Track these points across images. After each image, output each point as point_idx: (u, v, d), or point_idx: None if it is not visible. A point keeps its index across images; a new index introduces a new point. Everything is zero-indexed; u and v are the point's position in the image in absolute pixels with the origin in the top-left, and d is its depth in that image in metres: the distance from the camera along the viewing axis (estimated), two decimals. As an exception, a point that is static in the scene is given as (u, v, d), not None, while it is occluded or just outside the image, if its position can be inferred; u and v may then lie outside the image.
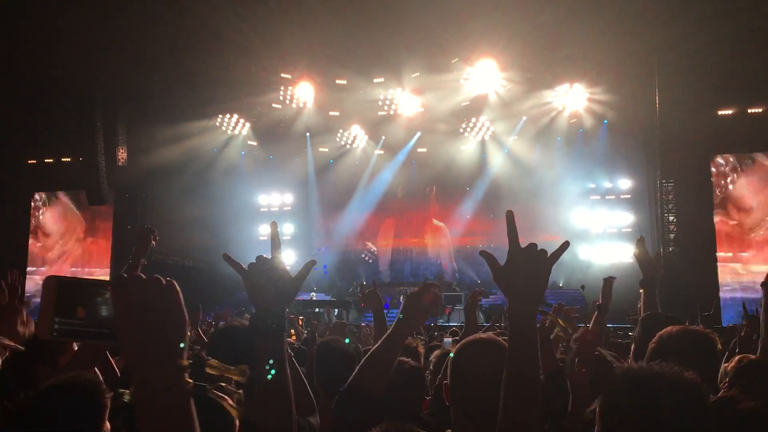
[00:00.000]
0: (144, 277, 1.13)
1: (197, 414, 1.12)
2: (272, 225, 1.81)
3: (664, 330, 2.49)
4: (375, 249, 27.18)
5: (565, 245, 1.75)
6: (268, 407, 1.66)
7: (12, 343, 2.79)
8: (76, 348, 3.24)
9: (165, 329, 1.12)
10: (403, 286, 23.55)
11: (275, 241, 1.78)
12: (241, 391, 1.32)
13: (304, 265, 1.80)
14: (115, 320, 1.13)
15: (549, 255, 1.70)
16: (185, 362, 1.12)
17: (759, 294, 3.16)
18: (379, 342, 2.09)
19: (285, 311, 1.71)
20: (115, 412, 2.01)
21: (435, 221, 26.73)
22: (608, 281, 4.37)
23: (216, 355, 2.03)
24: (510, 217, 1.72)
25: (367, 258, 27.01)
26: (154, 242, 3.31)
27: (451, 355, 2.08)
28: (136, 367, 1.10)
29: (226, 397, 1.27)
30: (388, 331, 2.11)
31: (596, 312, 4.16)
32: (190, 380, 1.12)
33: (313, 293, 22.84)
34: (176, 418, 1.09)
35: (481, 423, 1.90)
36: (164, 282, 1.14)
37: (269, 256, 1.76)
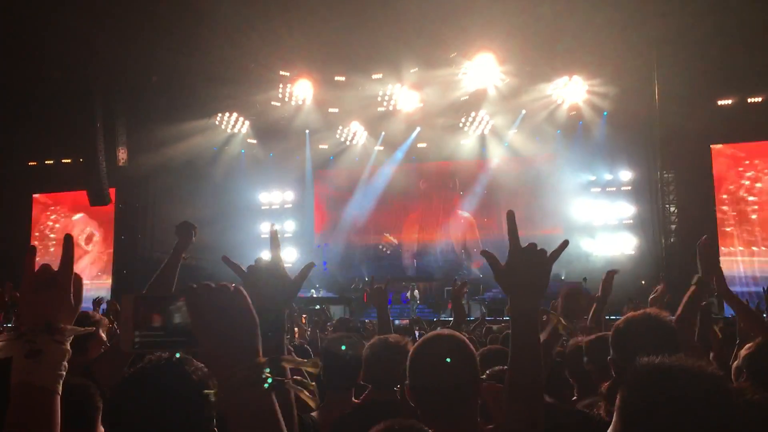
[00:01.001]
0: (213, 285, 1.23)
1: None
2: (271, 227, 1.84)
3: (626, 316, 2.53)
4: (396, 242, 27.03)
5: (564, 244, 1.78)
6: None
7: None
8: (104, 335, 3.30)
9: (239, 331, 1.21)
10: (406, 281, 23.53)
11: (274, 243, 1.81)
12: (314, 384, 1.39)
13: (303, 268, 1.81)
14: (192, 328, 1.22)
15: (549, 254, 1.72)
16: (262, 359, 1.20)
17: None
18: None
19: (284, 313, 1.74)
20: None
21: (461, 212, 26.57)
22: (610, 274, 4.34)
23: None
24: (511, 217, 1.75)
25: (386, 250, 26.86)
26: (194, 238, 3.37)
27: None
28: (218, 369, 1.20)
29: (302, 389, 1.34)
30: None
31: (594, 305, 4.16)
32: (269, 375, 1.20)
33: (313, 291, 22.79)
34: (261, 413, 1.18)
35: (445, 421, 1.89)
36: (231, 288, 1.24)
37: (268, 258, 1.79)
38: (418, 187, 26.67)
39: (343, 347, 3.18)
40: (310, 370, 1.41)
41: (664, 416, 1.37)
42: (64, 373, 1.34)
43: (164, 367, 1.56)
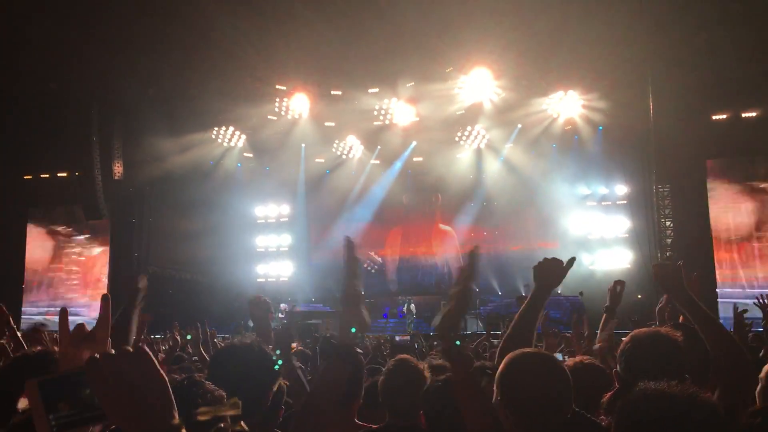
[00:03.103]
0: (113, 352, 1.16)
1: None
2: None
3: (634, 332, 2.54)
4: (380, 259, 27.02)
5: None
6: None
7: None
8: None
9: (148, 396, 1.15)
10: (402, 296, 23.50)
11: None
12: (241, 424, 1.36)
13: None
14: (99, 400, 1.16)
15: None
16: (176, 420, 1.15)
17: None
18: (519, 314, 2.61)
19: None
20: None
21: (441, 225, 26.59)
22: (616, 283, 4.38)
23: (218, 375, 2.04)
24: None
25: (370, 268, 26.87)
26: (142, 286, 3.06)
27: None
28: None
29: None
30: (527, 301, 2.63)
31: (604, 315, 4.14)
32: None
33: (284, 305, 22.06)
34: None
35: None
36: (133, 351, 1.17)
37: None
38: (407, 200, 26.67)
39: (353, 329, 3.16)
40: (230, 414, 1.39)
41: None
42: None
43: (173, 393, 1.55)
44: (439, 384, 2.43)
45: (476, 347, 8.40)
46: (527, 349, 2.17)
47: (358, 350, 2.20)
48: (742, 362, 2.40)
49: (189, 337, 6.14)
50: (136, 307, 2.85)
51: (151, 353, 1.18)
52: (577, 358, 3.56)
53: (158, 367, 1.17)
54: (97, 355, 1.15)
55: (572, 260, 2.56)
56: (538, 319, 2.54)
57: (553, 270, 2.55)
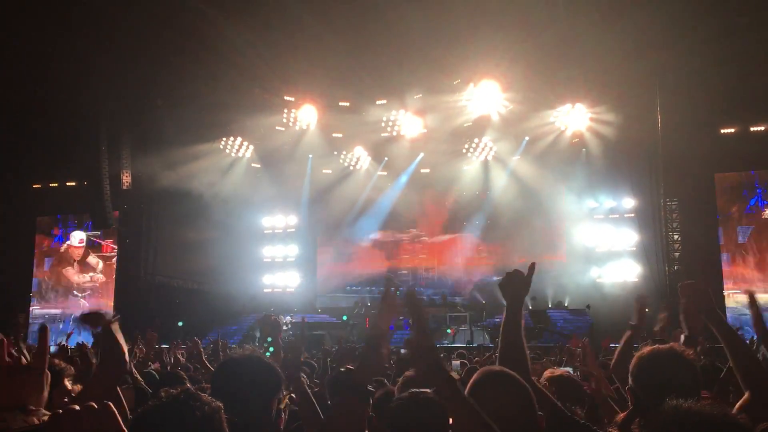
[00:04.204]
0: (77, 408, 1.13)
1: None
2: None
3: (651, 348, 2.51)
4: (387, 270, 26.93)
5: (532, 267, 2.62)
6: None
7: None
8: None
9: None
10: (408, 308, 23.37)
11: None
12: None
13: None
14: None
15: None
16: None
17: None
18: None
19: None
20: None
21: (448, 237, 26.53)
22: (640, 300, 4.20)
23: (222, 386, 2.03)
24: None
25: (391, 278, 26.66)
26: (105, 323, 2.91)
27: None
28: None
29: None
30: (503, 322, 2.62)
31: (628, 332, 4.04)
32: None
33: (288, 317, 21.91)
34: None
35: None
36: (97, 407, 1.14)
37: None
38: (413, 212, 26.59)
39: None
40: None
41: None
42: None
43: (169, 406, 1.53)
44: (403, 401, 2.32)
45: (484, 363, 8.35)
46: (492, 368, 2.24)
47: (371, 388, 2.23)
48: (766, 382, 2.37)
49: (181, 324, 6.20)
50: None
51: (114, 409, 1.15)
52: (556, 371, 3.72)
53: (120, 422, 1.15)
54: (60, 411, 1.12)
55: (533, 265, 2.60)
56: (522, 331, 2.55)
57: (517, 282, 2.58)
